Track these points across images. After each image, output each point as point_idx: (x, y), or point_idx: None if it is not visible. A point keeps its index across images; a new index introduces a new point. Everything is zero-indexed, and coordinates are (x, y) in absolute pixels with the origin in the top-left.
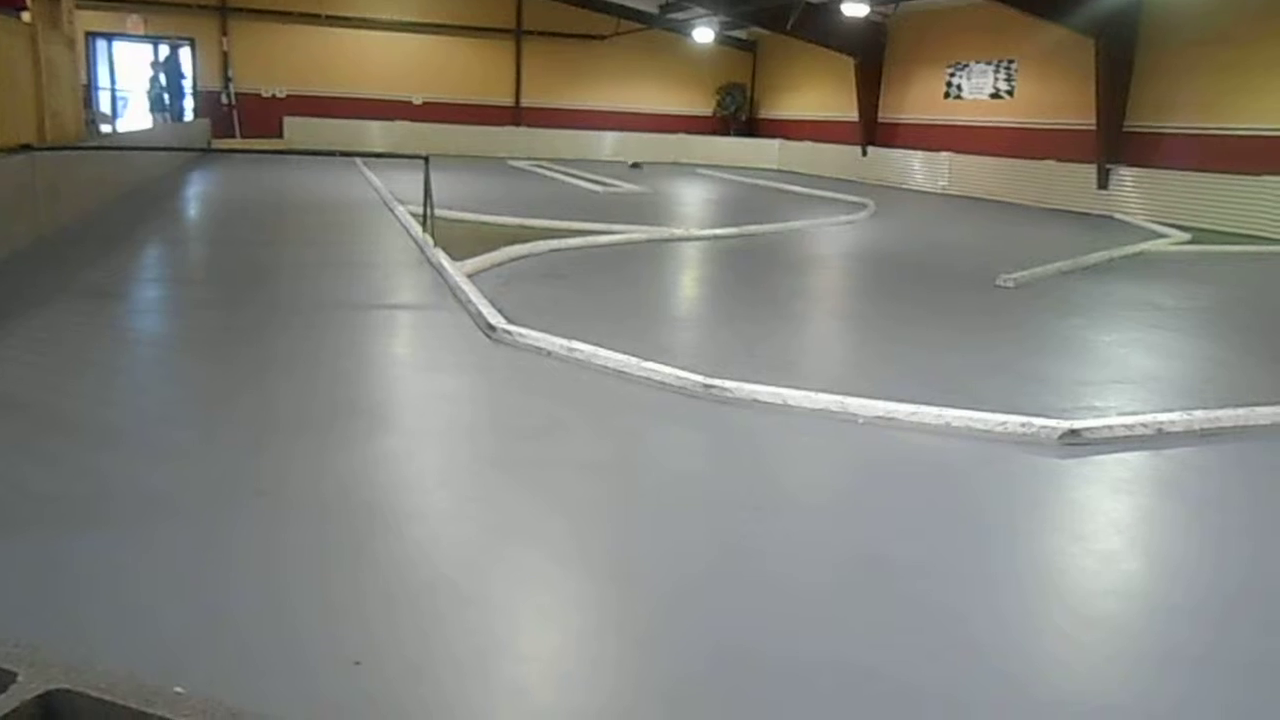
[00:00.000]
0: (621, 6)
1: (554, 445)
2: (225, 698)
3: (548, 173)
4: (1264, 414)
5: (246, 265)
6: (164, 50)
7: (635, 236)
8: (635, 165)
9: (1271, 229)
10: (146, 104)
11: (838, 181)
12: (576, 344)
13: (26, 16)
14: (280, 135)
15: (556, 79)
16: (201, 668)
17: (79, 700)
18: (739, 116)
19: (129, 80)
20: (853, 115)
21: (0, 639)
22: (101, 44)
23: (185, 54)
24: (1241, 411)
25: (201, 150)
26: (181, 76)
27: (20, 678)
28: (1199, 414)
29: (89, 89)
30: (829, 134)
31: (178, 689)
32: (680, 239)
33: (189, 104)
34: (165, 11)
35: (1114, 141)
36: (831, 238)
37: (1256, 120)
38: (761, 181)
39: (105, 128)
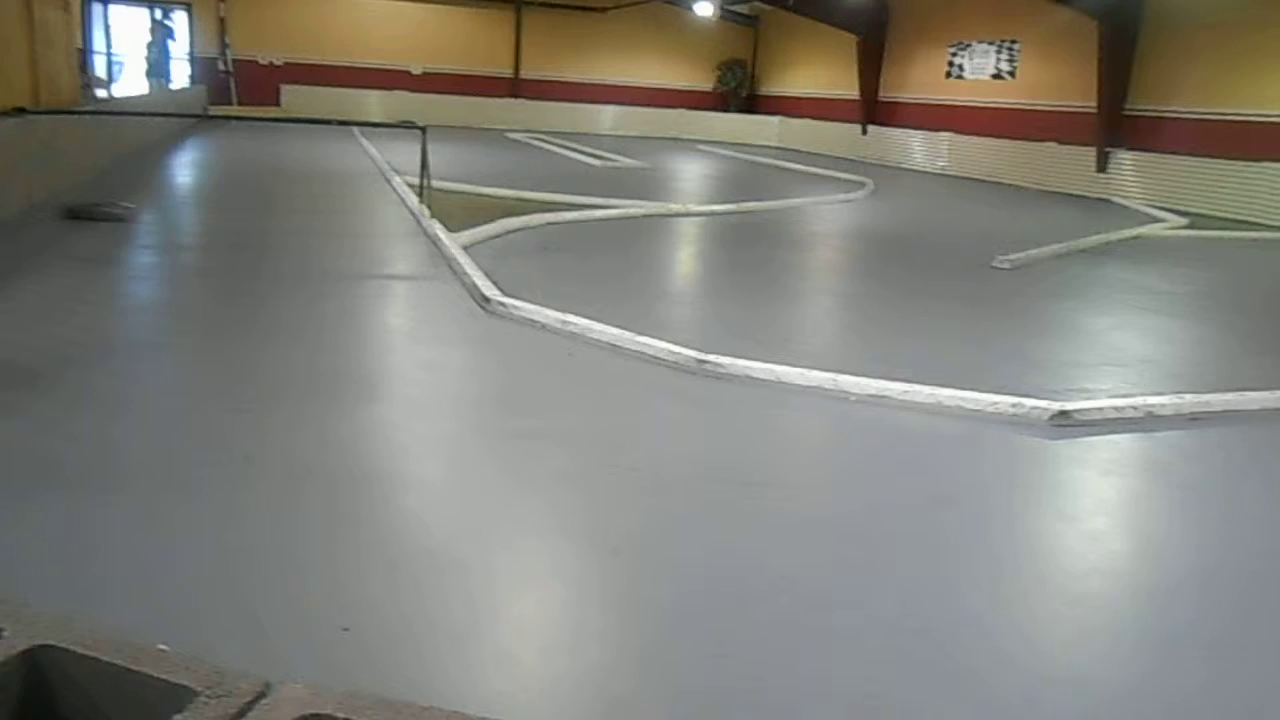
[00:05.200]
0: None
1: (548, 419)
2: (208, 657)
3: (545, 145)
4: (1253, 399)
5: (242, 234)
6: (158, 14)
7: (633, 211)
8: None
9: (1269, 215)
10: (144, 69)
11: (837, 160)
12: (571, 317)
13: None
14: (278, 103)
15: (556, 51)
16: (187, 632)
17: (64, 656)
18: (739, 93)
19: (125, 45)
20: (854, 93)
21: None
22: (98, 8)
23: (180, 19)
24: (1230, 396)
25: (198, 117)
26: (169, 40)
27: (6, 633)
28: (1189, 398)
29: (84, 53)
30: (829, 112)
31: (161, 646)
32: (678, 215)
33: (179, 70)
34: None
35: (1114, 125)
36: (829, 216)
37: (1257, 106)
38: (761, 158)
39: (101, 92)
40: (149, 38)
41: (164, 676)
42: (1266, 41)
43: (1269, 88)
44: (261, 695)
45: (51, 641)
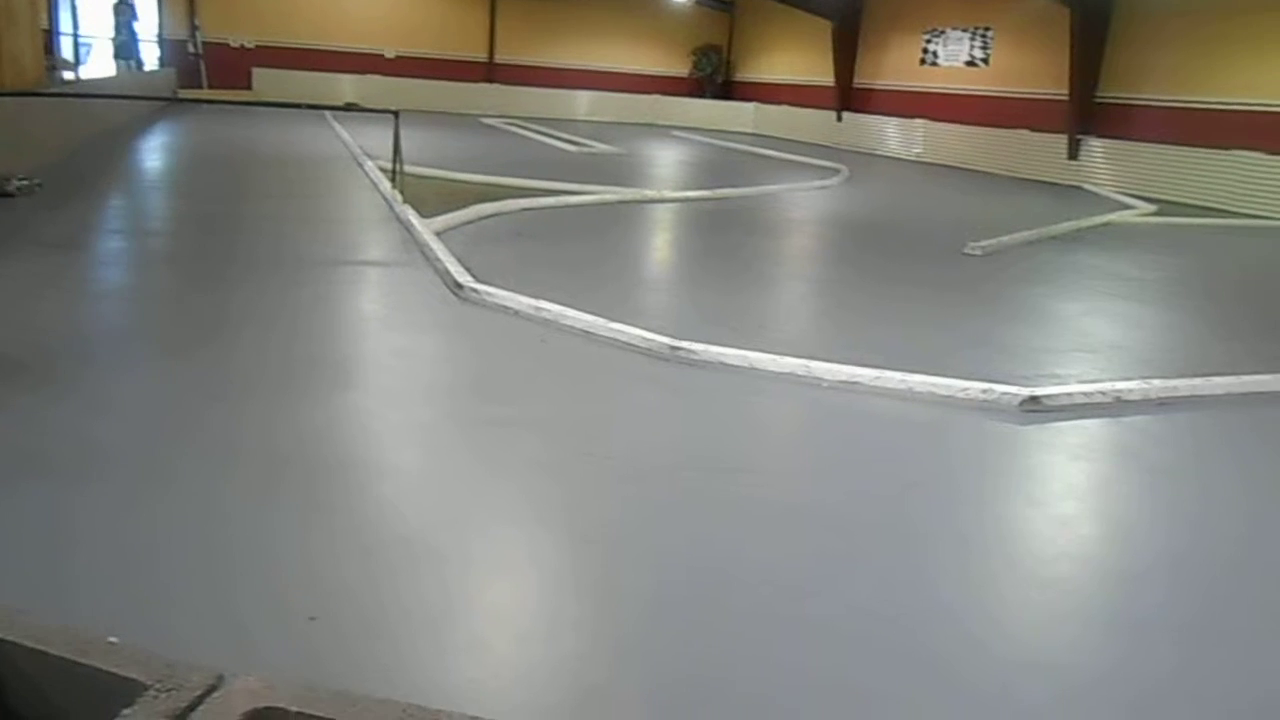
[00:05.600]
0: None
1: (521, 406)
2: (161, 649)
3: (520, 131)
4: (1219, 384)
5: (213, 219)
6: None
7: (608, 197)
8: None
9: (1236, 202)
10: (112, 51)
11: (812, 146)
12: (544, 303)
13: None
14: (249, 87)
15: (531, 36)
16: (152, 622)
17: (13, 650)
18: (715, 79)
19: (92, 26)
20: (829, 80)
21: None
22: None
23: (147, 1)
24: (1197, 381)
25: (167, 100)
26: (134, 21)
27: None
28: (1156, 383)
29: (50, 34)
30: (805, 98)
31: (111, 639)
32: (653, 201)
33: (149, 52)
34: None
35: (1085, 112)
36: (804, 202)
37: (1226, 94)
38: (736, 145)
39: (67, 74)
40: (114, 18)
41: (113, 670)
42: (1235, 29)
43: (1237, 76)
44: (213, 688)
45: (0, 635)
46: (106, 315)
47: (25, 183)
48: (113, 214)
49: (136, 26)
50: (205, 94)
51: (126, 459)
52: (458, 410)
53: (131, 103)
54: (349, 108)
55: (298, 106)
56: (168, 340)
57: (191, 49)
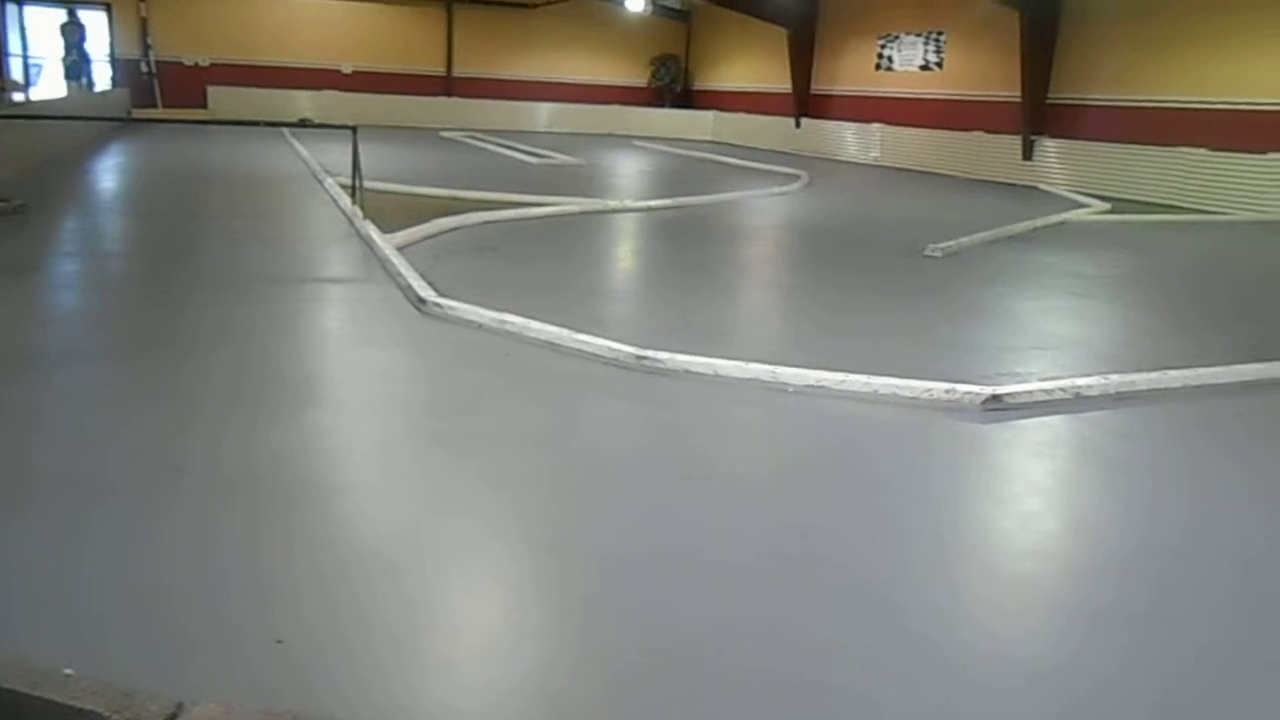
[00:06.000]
0: None
1: (485, 418)
2: (118, 678)
3: (480, 144)
4: (1175, 377)
5: (170, 239)
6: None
7: (569, 208)
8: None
9: (1185, 198)
10: (62, 71)
11: (772, 153)
12: (508, 316)
13: None
14: (204, 105)
15: (489, 49)
16: (117, 649)
17: None
18: (674, 88)
19: (42, 47)
20: (786, 87)
21: None
22: (12, 9)
23: (93, 18)
24: (1155, 375)
25: (121, 120)
26: (83, 41)
27: None
28: (1115, 378)
29: None
30: (763, 105)
31: (67, 671)
32: (615, 211)
33: (101, 72)
34: None
35: (1038, 113)
36: (765, 209)
37: (1171, 93)
38: (696, 153)
39: (17, 96)
40: (63, 39)
41: (69, 702)
42: (1178, 31)
43: (1183, 75)
44: (173, 716)
45: None
46: (63, 338)
47: (5, 204)
48: (68, 236)
49: (86, 46)
50: (160, 113)
51: (79, 483)
52: (418, 425)
53: (85, 123)
54: (303, 124)
55: (253, 124)
56: (124, 361)
57: (145, 68)
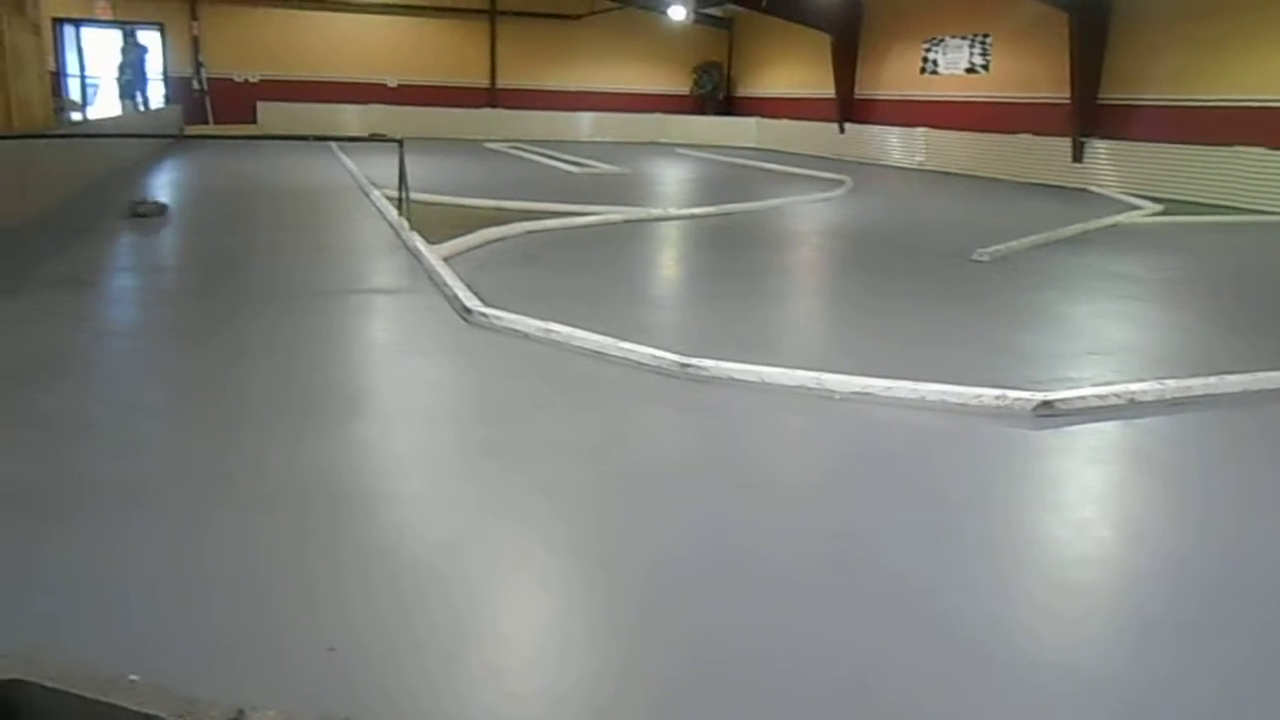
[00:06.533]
0: None
1: (532, 428)
2: (179, 686)
3: (524, 154)
4: (1232, 382)
5: (221, 252)
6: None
7: (613, 217)
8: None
9: (1241, 198)
10: (116, 91)
11: (815, 159)
12: (553, 325)
13: None
14: (254, 120)
15: (532, 60)
16: (174, 657)
17: (36, 690)
18: (716, 95)
19: (98, 67)
20: (829, 92)
21: None
22: (70, 30)
23: (150, 39)
24: (1211, 380)
25: (174, 137)
26: (144, 59)
27: None
28: (1170, 383)
29: (57, 76)
30: (806, 111)
31: (132, 677)
32: (659, 219)
33: (155, 90)
34: None
35: (1088, 114)
36: (809, 215)
37: (1225, 91)
38: (740, 160)
39: (75, 115)
40: (120, 59)
41: (134, 707)
42: (1234, 29)
43: (1238, 74)
44: None
45: (21, 676)
46: (122, 351)
47: (152, 204)
48: (123, 250)
49: (146, 66)
50: (211, 129)
51: (137, 491)
52: (466, 435)
53: (139, 141)
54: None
55: (303, 139)
56: (177, 371)
57: (197, 85)
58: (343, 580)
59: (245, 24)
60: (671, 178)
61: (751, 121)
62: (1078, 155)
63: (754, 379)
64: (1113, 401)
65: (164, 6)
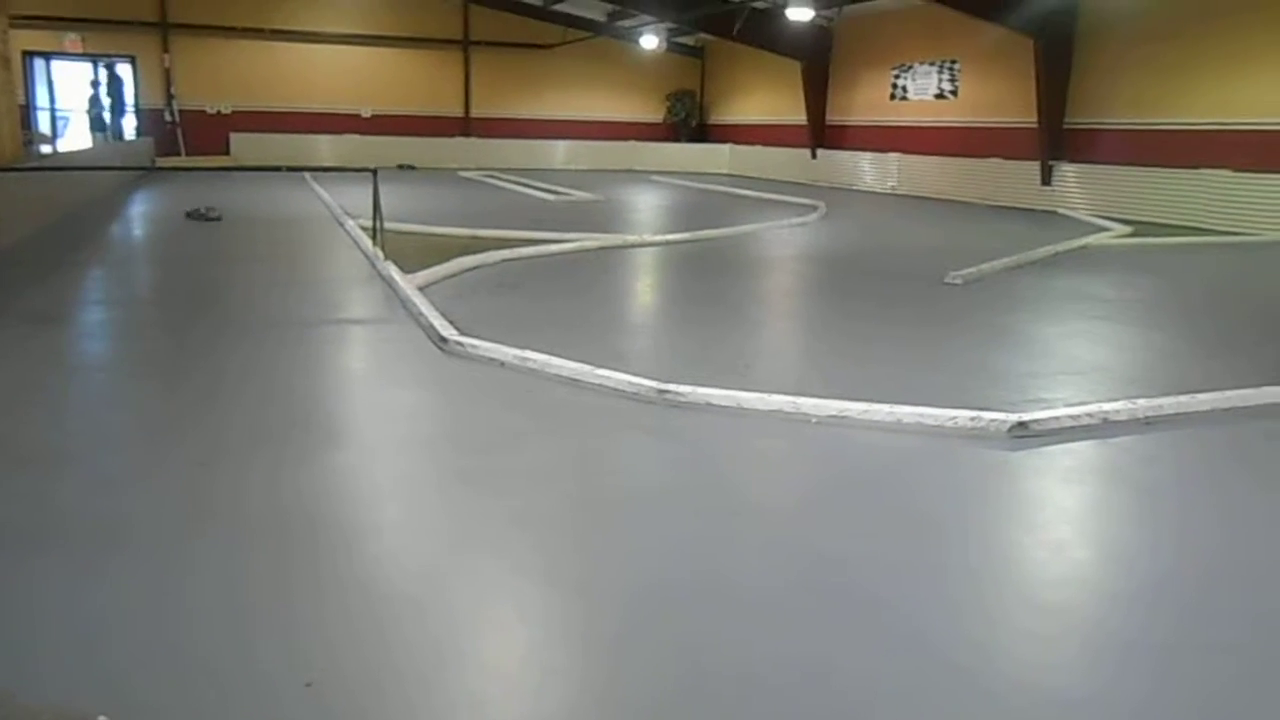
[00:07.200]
0: (569, 15)
1: (509, 456)
2: None
3: (499, 183)
4: (1203, 400)
5: (194, 285)
6: (104, 72)
7: (589, 244)
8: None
9: (1206, 219)
10: (86, 123)
11: (789, 184)
12: (529, 353)
13: None
14: (227, 152)
15: (506, 89)
16: (151, 693)
17: None
18: (689, 122)
19: (69, 100)
20: (801, 118)
21: None
22: (40, 64)
23: (122, 71)
24: (1183, 399)
25: (145, 169)
26: (121, 91)
27: None
28: (1142, 402)
29: (27, 109)
30: (779, 138)
31: (102, 717)
32: (634, 245)
33: (129, 122)
34: (104, 29)
35: (1055, 138)
36: (784, 240)
37: (1188, 115)
38: (713, 186)
39: (45, 148)
40: (90, 91)
41: None
42: (1193, 55)
43: (1201, 97)
44: None
45: None
46: (94, 388)
47: (214, 211)
48: (95, 284)
49: (124, 97)
50: (184, 161)
51: (109, 525)
52: (443, 464)
53: (111, 173)
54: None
55: (277, 169)
56: (150, 404)
57: (169, 117)
58: (324, 610)
59: (218, 56)
60: (646, 205)
61: (725, 148)
62: (1046, 179)
63: (731, 404)
64: (1086, 421)
65: (135, 39)
